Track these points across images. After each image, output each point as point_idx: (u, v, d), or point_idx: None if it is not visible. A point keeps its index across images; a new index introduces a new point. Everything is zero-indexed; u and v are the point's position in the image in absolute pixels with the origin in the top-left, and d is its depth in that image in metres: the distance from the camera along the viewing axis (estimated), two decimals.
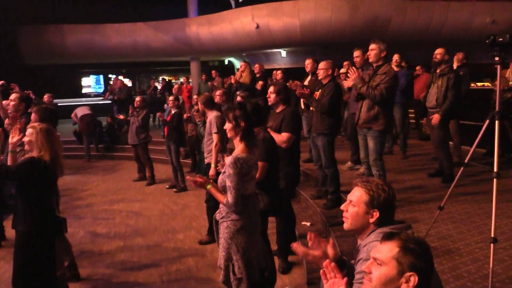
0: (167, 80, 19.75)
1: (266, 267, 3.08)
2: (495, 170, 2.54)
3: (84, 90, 22.60)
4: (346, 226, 1.83)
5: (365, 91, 4.23)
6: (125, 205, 6.39)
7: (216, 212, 2.79)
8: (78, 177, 8.51)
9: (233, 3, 18.59)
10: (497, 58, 2.58)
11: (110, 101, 12.83)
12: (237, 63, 19.03)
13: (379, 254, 1.38)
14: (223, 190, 2.68)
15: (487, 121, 2.71)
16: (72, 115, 10.11)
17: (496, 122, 2.58)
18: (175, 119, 6.98)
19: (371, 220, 1.75)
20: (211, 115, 5.04)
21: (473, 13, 13.56)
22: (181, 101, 8.96)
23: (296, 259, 3.95)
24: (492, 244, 2.49)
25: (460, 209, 4.13)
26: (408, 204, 4.42)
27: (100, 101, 17.11)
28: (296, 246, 1.91)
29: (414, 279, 1.31)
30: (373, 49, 4.35)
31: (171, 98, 7.27)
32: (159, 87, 15.16)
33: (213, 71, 12.61)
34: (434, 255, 3.18)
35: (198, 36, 15.97)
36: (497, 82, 2.71)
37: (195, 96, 8.67)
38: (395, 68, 7.12)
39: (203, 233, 4.89)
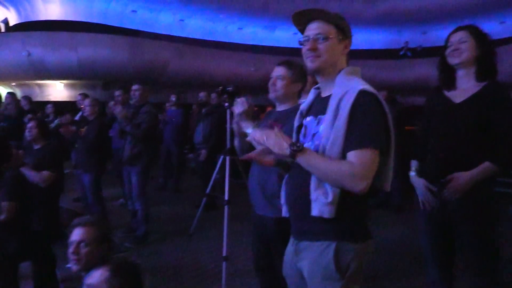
0: None
1: None
2: (226, 198, 3.01)
3: None
4: (75, 268, 1.88)
5: (129, 129, 4.41)
6: None
7: None
8: None
9: (2, 26, 16.69)
10: (226, 104, 3.11)
11: None
12: (4, 93, 16.92)
13: (92, 280, 1.53)
14: None
15: (222, 157, 3.21)
16: None
17: (227, 158, 3.08)
18: None
19: (97, 254, 1.88)
20: None
21: (240, 62, 15.58)
22: None
23: None
24: (225, 262, 2.93)
25: (209, 234, 4.65)
26: (173, 233, 4.74)
27: None
28: None
29: None
30: (137, 90, 4.62)
31: None
32: None
33: None
34: (181, 277, 3.51)
35: None
36: (228, 125, 3.21)
37: None
38: (173, 108, 7.61)
39: None
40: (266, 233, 2.45)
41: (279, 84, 2.36)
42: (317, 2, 16.85)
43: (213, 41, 17.66)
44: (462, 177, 2.05)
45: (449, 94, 2.25)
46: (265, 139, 1.55)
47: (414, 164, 2.34)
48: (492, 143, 2.08)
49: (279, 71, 2.38)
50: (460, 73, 2.20)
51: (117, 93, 5.06)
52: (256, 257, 2.61)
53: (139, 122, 4.43)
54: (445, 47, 2.22)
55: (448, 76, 2.26)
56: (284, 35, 17.20)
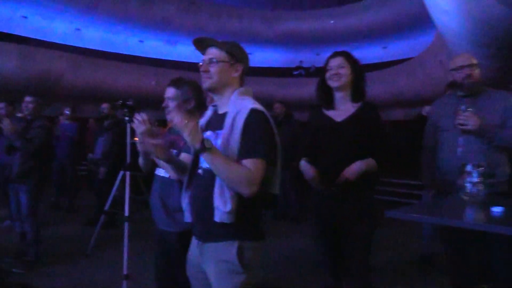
0: None
1: None
2: (126, 214, 2.97)
3: None
4: None
5: (19, 145, 4.12)
6: None
7: None
8: None
9: None
10: (127, 118, 3.09)
11: None
12: None
13: None
14: None
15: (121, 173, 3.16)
16: None
17: (127, 173, 3.05)
18: None
19: None
20: None
21: (140, 75, 15.24)
22: None
23: None
24: (125, 281, 2.88)
25: (108, 254, 4.50)
26: (68, 255, 4.49)
27: None
28: None
29: None
30: (30, 102, 4.34)
31: None
32: None
33: None
34: None
35: None
36: (128, 139, 3.18)
37: None
38: (67, 121, 7.20)
39: None
40: (168, 247, 2.47)
41: (171, 105, 2.41)
42: (220, 20, 17.25)
43: (113, 52, 17.00)
44: (352, 166, 2.34)
45: (328, 113, 2.55)
46: (183, 125, 1.60)
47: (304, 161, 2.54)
48: (370, 152, 2.40)
49: (169, 92, 2.43)
50: (338, 95, 2.52)
51: (0, 105, 4.70)
52: (158, 273, 2.61)
53: (31, 137, 4.17)
54: (325, 70, 2.50)
55: (327, 96, 2.54)
56: (186, 50, 17.17)
